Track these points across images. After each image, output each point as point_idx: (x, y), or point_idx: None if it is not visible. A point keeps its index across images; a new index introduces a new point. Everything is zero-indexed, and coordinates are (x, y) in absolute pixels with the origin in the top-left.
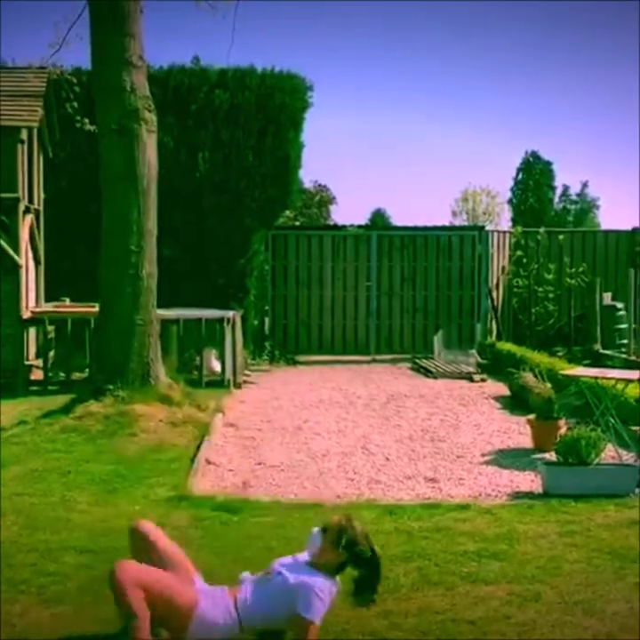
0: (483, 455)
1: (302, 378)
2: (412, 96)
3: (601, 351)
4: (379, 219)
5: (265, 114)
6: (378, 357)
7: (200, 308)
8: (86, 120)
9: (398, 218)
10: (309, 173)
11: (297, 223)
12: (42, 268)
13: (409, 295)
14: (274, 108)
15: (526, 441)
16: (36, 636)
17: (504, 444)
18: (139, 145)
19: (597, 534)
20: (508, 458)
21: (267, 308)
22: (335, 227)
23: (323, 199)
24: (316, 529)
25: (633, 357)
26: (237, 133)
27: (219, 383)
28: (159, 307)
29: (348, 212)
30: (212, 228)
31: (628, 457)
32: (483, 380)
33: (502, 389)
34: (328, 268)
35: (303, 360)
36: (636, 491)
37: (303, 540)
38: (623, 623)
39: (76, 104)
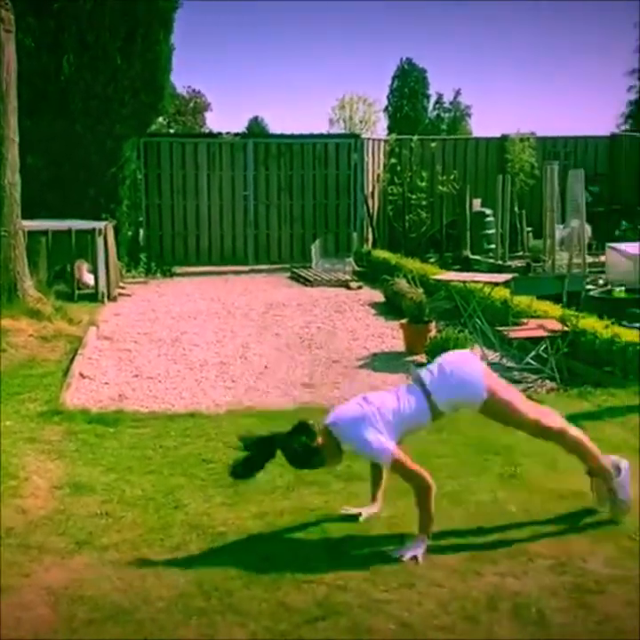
0: (358, 360)
1: (180, 289)
2: (290, 2)
3: (470, 256)
4: (256, 127)
5: (132, 13)
6: (256, 267)
7: (69, 218)
8: None
9: (276, 126)
10: (183, 79)
11: (171, 130)
12: None
13: (286, 204)
14: (141, 6)
15: (399, 344)
16: None
17: (378, 348)
18: None
19: (464, 430)
20: (381, 361)
21: (141, 218)
22: (210, 134)
23: (197, 106)
24: None
25: (500, 262)
26: (103, 34)
27: (92, 296)
28: (25, 218)
29: (225, 119)
30: (80, 134)
31: (493, 356)
32: (359, 288)
33: (377, 296)
34: (203, 177)
35: (180, 271)
36: None
37: (180, 449)
38: (486, 511)
39: None
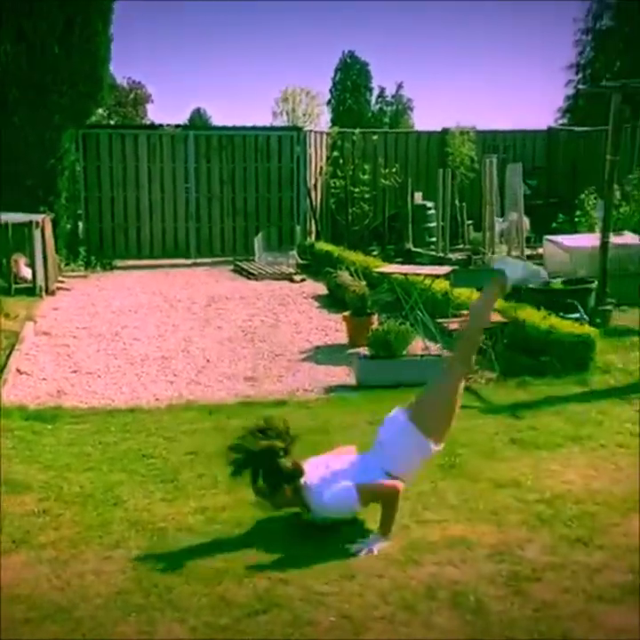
0: (301, 353)
1: (120, 283)
2: None
3: (412, 249)
4: (198, 119)
5: (70, 3)
6: (199, 261)
7: (6, 211)
8: None
9: (219, 118)
10: (124, 70)
11: (111, 122)
12: None
13: (229, 197)
14: None
15: (342, 337)
16: None
17: (321, 341)
18: None
19: None
20: (324, 354)
21: (80, 211)
22: (151, 126)
23: (138, 97)
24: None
25: (441, 254)
26: (41, 24)
27: (30, 291)
28: None
29: (168, 111)
30: (17, 125)
31: (434, 348)
32: (302, 280)
33: (321, 288)
34: (144, 169)
35: (121, 265)
36: None
37: (120, 445)
38: (426, 501)
39: None
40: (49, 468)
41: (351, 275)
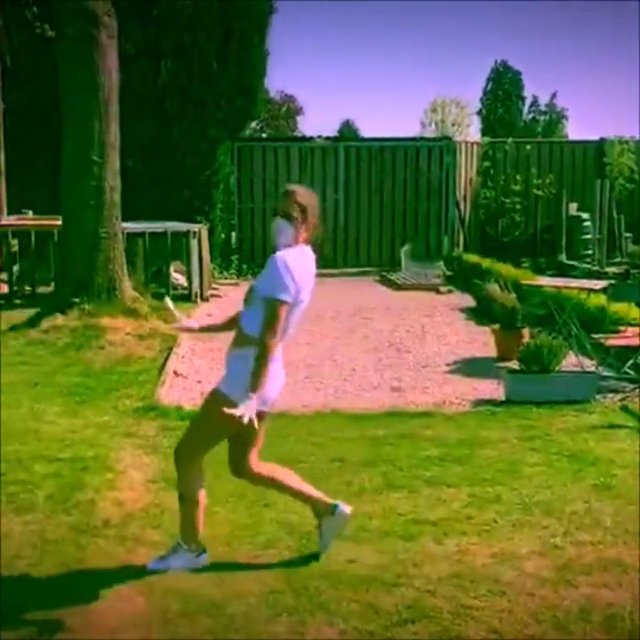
0: (447, 365)
1: None
2: (381, 4)
3: (565, 262)
4: (347, 130)
5: (228, 18)
6: (345, 270)
7: (165, 220)
8: (46, 26)
9: (367, 129)
10: (276, 83)
11: (263, 135)
12: (3, 179)
13: (377, 208)
14: (237, 11)
15: (490, 350)
16: (9, 542)
17: (468, 354)
18: (99, 51)
19: (557, 438)
20: (471, 367)
21: (233, 221)
22: (303, 138)
23: (290, 110)
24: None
25: (596, 267)
26: (200, 39)
27: (186, 297)
28: (124, 220)
29: (317, 123)
30: (176, 138)
31: (588, 365)
32: (449, 292)
33: (468, 301)
34: (295, 181)
35: None
36: (596, 397)
37: (269, 448)
38: (580, 522)
39: (35, 9)
40: (208, 465)
41: (500, 287)
